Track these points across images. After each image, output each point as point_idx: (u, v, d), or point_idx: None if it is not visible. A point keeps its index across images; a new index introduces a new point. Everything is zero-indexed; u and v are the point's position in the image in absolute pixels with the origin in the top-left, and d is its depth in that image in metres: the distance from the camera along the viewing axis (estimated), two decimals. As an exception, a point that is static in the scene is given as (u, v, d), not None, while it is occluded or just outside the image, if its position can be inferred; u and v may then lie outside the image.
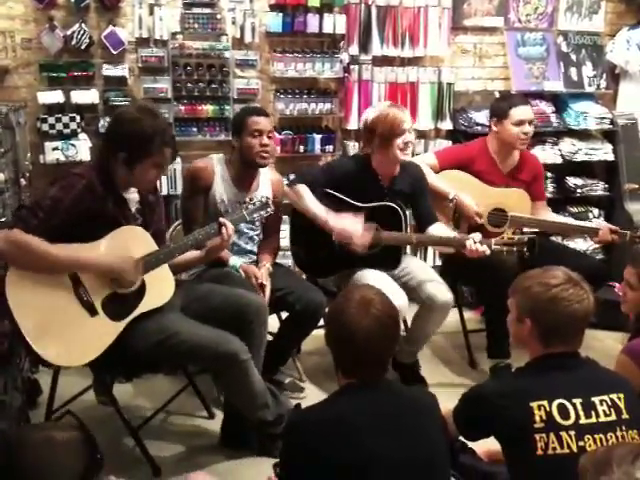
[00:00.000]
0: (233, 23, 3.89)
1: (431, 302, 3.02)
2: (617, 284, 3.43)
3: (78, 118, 3.64)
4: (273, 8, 3.95)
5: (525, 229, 3.48)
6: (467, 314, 3.65)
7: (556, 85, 4.43)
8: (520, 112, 3.33)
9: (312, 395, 3.08)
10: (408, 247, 3.39)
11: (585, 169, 4.48)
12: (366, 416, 1.67)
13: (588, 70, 4.55)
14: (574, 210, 4.38)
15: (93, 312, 2.34)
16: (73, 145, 3.64)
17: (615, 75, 4.66)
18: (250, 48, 3.96)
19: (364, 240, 2.99)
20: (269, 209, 2.75)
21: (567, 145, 4.35)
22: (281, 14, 3.93)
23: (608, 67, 4.60)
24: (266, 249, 3.15)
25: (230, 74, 3.89)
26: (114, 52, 3.69)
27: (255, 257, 3.14)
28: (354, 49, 4.08)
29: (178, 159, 3.73)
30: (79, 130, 3.66)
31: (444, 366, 3.53)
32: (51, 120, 3.60)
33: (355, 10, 4.04)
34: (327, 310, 1.92)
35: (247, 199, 2.78)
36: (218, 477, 2.42)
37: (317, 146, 4.10)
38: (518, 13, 4.46)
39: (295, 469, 1.70)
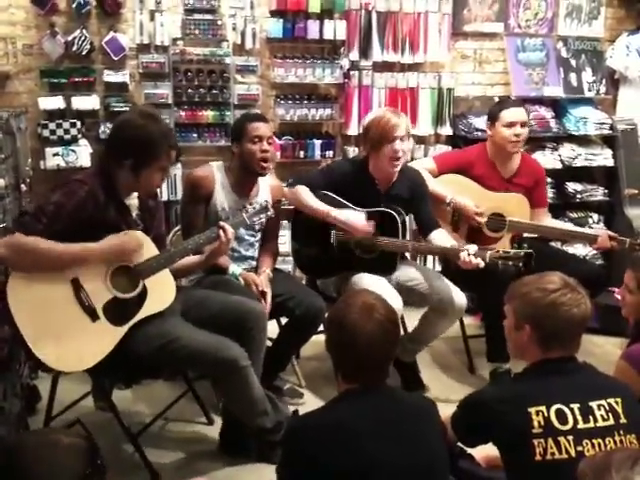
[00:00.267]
0: (234, 29, 3.90)
1: (446, 306, 3.01)
2: (617, 289, 3.43)
3: (79, 124, 3.66)
4: (274, 14, 3.97)
5: (525, 234, 3.48)
6: (467, 319, 3.65)
7: (556, 90, 4.44)
8: (510, 114, 3.33)
9: (311, 401, 3.09)
10: (407, 253, 3.38)
11: (585, 174, 4.49)
12: (367, 421, 1.67)
13: (588, 75, 4.57)
14: (574, 215, 4.38)
15: (94, 317, 2.34)
16: (73, 151, 3.65)
17: (615, 80, 4.67)
18: (251, 54, 3.98)
19: (368, 229, 2.99)
20: (269, 212, 2.75)
21: (567, 150, 4.36)
22: (282, 20, 3.95)
23: (608, 72, 4.62)
24: (265, 254, 3.15)
25: (231, 80, 3.90)
26: (115, 58, 3.70)
27: (255, 263, 3.14)
28: (354, 55, 4.10)
29: (179, 165, 3.74)
30: (80, 136, 3.67)
31: (444, 371, 3.52)
32: (52, 126, 3.62)
33: (355, 16, 4.06)
34: (327, 315, 1.92)
35: (247, 204, 2.78)
36: (217, 483, 2.42)
37: (317, 152, 4.12)
38: (518, 19, 4.48)
39: (295, 476, 1.70)
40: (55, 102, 3.64)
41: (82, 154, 3.66)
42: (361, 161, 3.14)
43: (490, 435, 1.81)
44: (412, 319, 3.23)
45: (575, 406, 1.71)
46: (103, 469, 1.49)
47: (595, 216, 4.44)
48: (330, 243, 3.10)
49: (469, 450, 2.00)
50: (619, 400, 1.74)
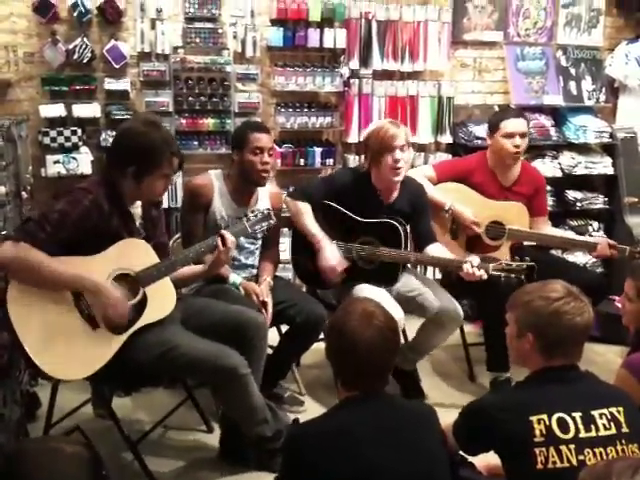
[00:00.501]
0: (234, 37, 3.92)
1: (442, 317, 3.01)
2: (617, 297, 3.42)
3: (80, 131, 3.67)
4: (274, 22, 3.99)
5: (525, 242, 3.48)
6: (467, 327, 3.65)
7: (555, 99, 4.45)
8: (510, 124, 3.32)
9: (312, 409, 3.08)
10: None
11: (585, 182, 4.49)
12: (367, 428, 1.67)
13: (587, 84, 4.58)
14: (574, 223, 4.38)
15: (94, 325, 2.33)
16: (74, 158, 3.66)
17: (614, 89, 4.68)
18: (251, 62, 3.99)
19: (335, 270, 2.98)
20: (271, 221, 2.73)
21: (567, 159, 4.36)
22: (282, 28, 3.96)
23: (607, 81, 4.63)
24: (266, 262, 3.14)
25: (231, 88, 3.91)
26: (116, 66, 3.71)
27: (256, 271, 3.14)
28: (354, 63, 4.11)
29: (179, 172, 3.74)
30: (81, 143, 3.68)
31: (444, 380, 3.51)
32: (53, 133, 3.62)
33: (355, 25, 4.07)
34: (328, 323, 1.92)
35: (248, 212, 2.77)
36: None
37: (317, 159, 4.12)
38: (517, 27, 4.49)
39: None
40: (56, 110, 3.64)
41: (83, 162, 3.66)
42: (364, 173, 3.12)
43: (491, 443, 1.81)
44: (413, 328, 3.23)
45: (577, 415, 1.71)
46: (107, 479, 1.49)
47: (595, 224, 4.44)
48: None
49: (470, 458, 2.00)
50: (621, 409, 1.74)
